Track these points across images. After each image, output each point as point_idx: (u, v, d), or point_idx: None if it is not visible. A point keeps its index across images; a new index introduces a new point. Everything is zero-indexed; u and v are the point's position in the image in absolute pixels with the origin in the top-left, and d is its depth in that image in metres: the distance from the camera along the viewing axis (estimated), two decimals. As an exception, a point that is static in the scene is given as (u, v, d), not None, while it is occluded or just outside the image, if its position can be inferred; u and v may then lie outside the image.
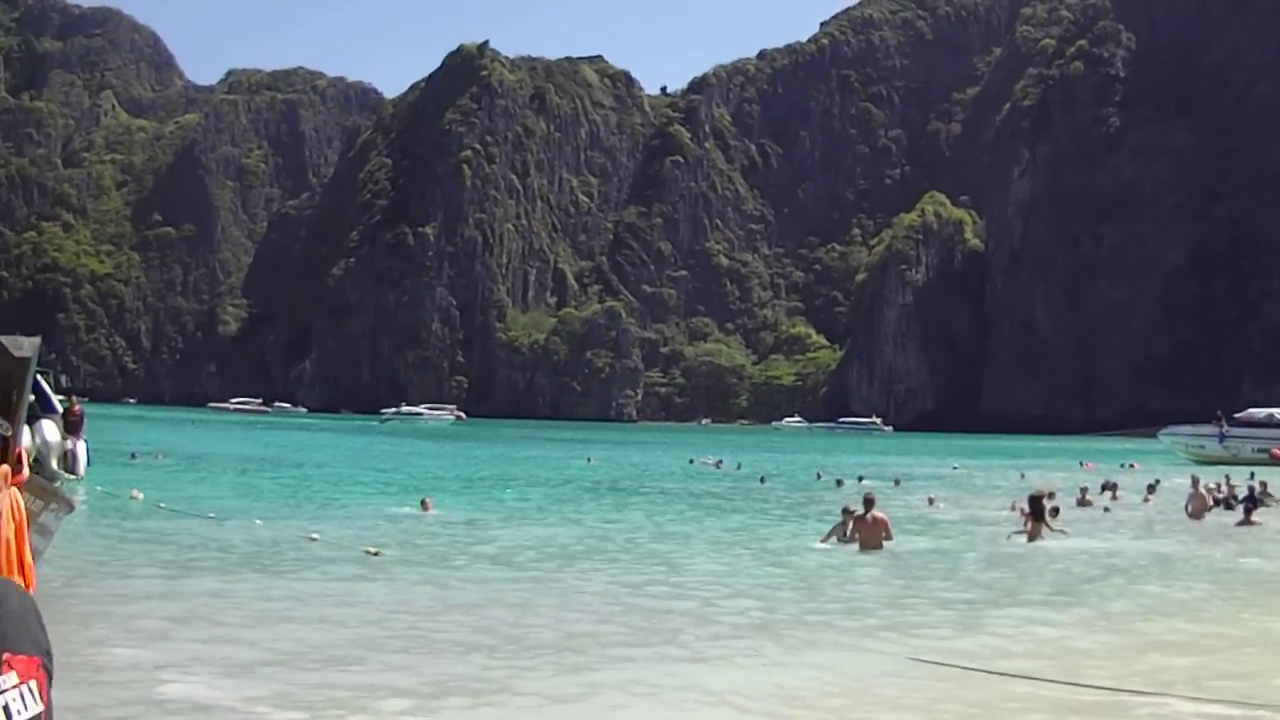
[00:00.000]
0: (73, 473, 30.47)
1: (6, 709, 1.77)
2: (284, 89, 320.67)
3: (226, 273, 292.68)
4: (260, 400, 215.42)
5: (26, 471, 12.34)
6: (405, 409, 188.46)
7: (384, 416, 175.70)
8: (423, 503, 29.23)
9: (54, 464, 27.25)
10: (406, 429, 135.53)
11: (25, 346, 11.64)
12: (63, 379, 38.85)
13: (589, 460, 65.79)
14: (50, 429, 27.44)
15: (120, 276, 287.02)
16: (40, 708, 1.82)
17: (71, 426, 30.60)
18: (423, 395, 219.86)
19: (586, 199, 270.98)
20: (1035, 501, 25.13)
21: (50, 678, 1.87)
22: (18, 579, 10.40)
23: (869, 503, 23.27)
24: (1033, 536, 23.99)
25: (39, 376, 30.81)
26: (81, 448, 30.94)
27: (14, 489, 11.80)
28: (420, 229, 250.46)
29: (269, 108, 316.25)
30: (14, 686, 1.80)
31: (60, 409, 30.98)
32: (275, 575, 17.58)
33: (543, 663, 11.62)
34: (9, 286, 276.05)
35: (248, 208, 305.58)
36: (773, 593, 17.26)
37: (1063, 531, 24.71)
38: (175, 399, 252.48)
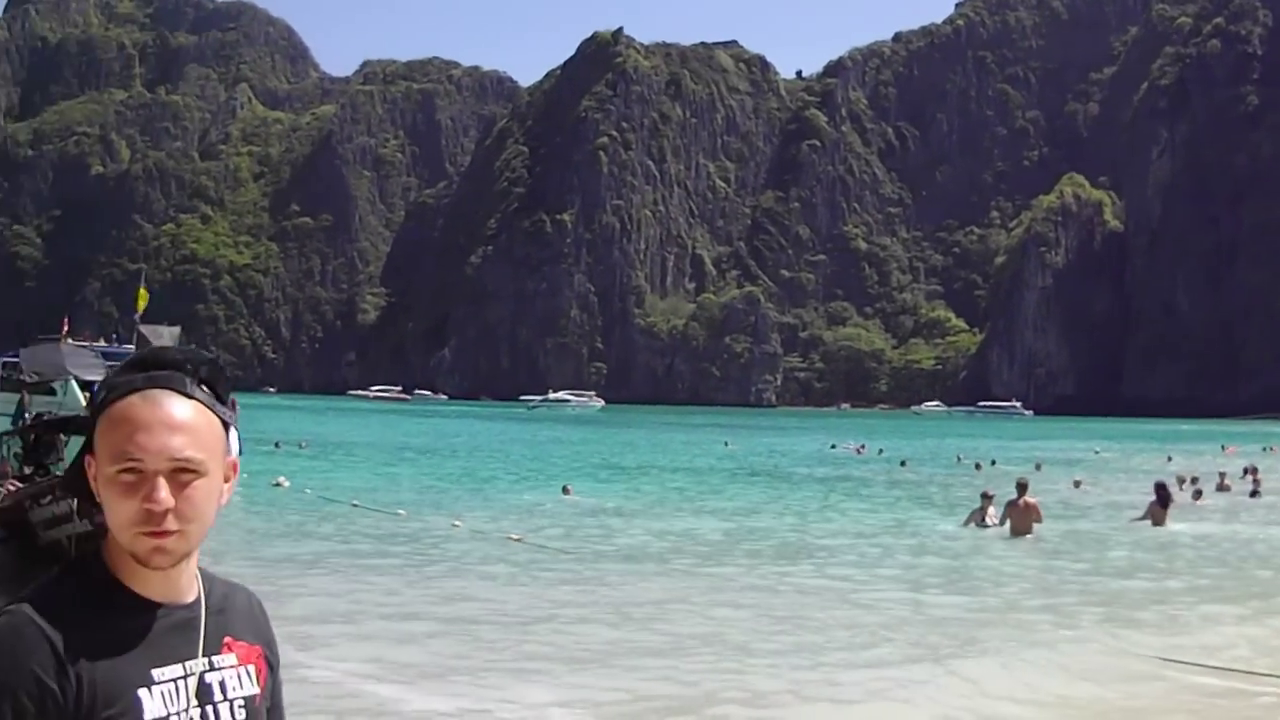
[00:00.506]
0: None
1: (222, 684, 2.14)
2: (419, 79, 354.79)
3: (365, 262, 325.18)
4: (400, 388, 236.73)
5: None
6: (552, 396, 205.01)
7: (531, 404, 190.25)
8: (564, 489, 32.02)
9: None
10: (553, 416, 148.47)
11: (165, 335, 14.81)
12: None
13: (726, 445, 72.64)
14: None
15: (259, 267, 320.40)
16: (255, 690, 2.19)
17: None
18: (562, 382, 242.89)
19: (723, 184, 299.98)
20: (1161, 489, 27.06)
21: (272, 669, 2.26)
22: None
23: (1022, 488, 24.81)
24: (1157, 522, 25.90)
25: None
26: (233, 437, 50.47)
27: None
28: (558, 216, 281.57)
29: (405, 98, 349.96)
30: (232, 666, 2.17)
31: None
32: (421, 564, 19.25)
33: (763, 662, 12.17)
34: (148, 278, 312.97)
35: (385, 197, 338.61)
36: (952, 582, 18.55)
37: (1203, 516, 26.70)
38: (314, 387, 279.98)
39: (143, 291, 46.90)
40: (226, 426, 2.05)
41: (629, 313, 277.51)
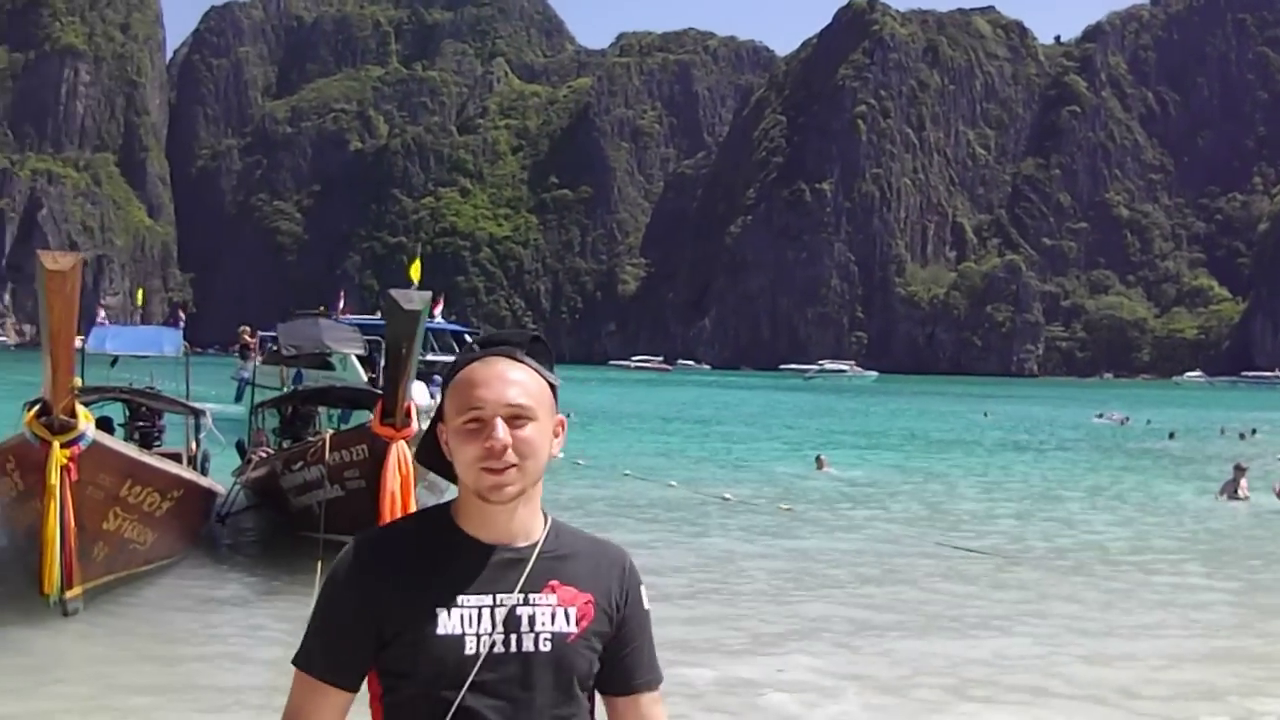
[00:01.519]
0: None
1: (533, 618, 2.86)
2: (675, 50, 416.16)
3: (624, 233, 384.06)
4: (661, 358, 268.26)
5: (415, 425, 15.68)
6: (828, 366, 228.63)
7: (807, 374, 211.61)
8: (817, 460, 36.25)
9: None
10: (830, 386, 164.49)
11: (415, 300, 14.51)
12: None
13: (985, 415, 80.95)
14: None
15: (518, 239, 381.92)
16: (570, 630, 2.88)
17: None
18: (822, 351, 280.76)
19: (983, 151, 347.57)
20: None
21: (608, 619, 2.96)
22: None
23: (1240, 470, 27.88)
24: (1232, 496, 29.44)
25: (470, 338, 42.22)
26: None
27: (401, 443, 15.36)
28: (817, 185, 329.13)
29: (661, 69, 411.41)
30: (549, 605, 2.88)
31: None
32: (694, 534, 21.99)
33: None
34: (409, 251, 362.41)
35: (643, 168, 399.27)
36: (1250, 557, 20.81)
37: None
38: (575, 358, 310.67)
39: (417, 263, 50.82)
40: (554, 389, 3.64)
41: (889, 281, 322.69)
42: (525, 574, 2.87)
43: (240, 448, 23.98)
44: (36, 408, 12.64)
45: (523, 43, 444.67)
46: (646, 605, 3.06)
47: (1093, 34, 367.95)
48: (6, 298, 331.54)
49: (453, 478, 2.88)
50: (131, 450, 14.65)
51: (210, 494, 18.01)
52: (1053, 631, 14.33)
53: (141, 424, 22.55)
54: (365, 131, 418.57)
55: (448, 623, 2.81)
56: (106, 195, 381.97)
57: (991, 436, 59.24)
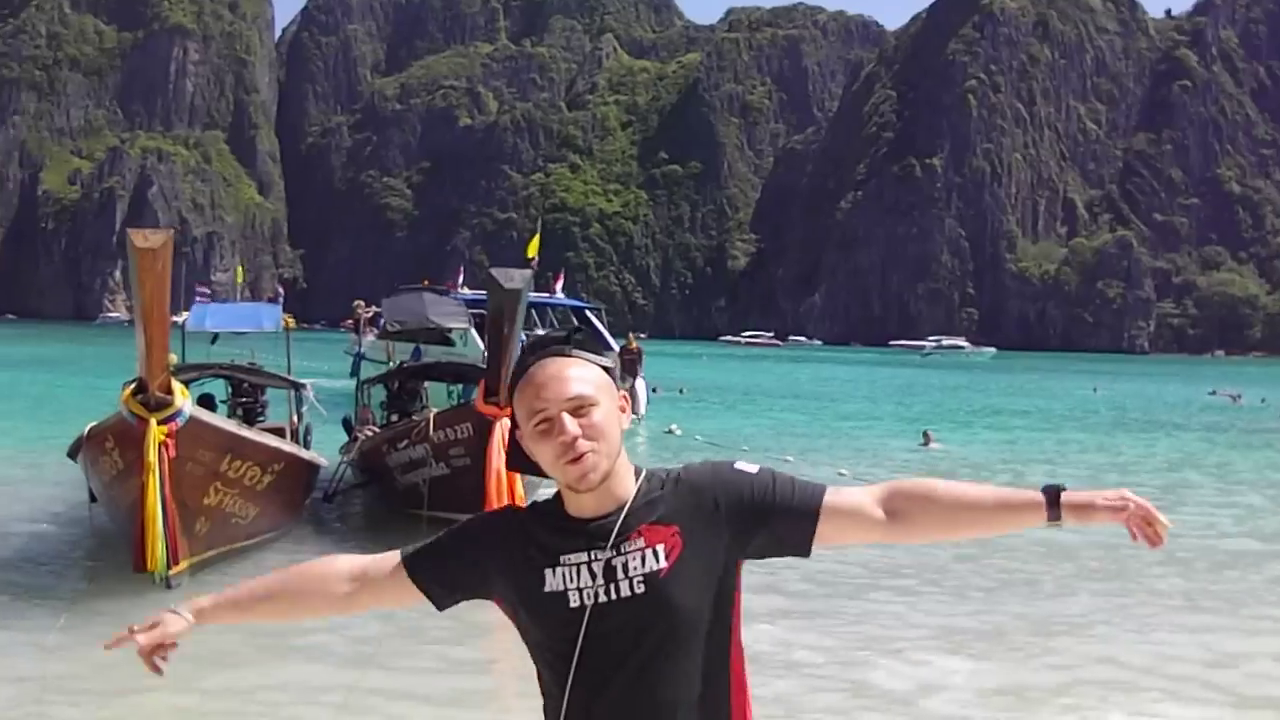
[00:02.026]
0: (633, 412, 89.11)
1: (625, 565, 3.26)
2: (784, 25, 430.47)
3: (734, 208, 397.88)
4: (771, 334, 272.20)
5: None
6: (946, 342, 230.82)
7: (924, 351, 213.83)
8: (924, 435, 37.15)
9: None
10: (948, 362, 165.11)
11: (516, 279, 14.91)
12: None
13: (1095, 390, 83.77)
14: None
15: (628, 214, 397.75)
16: (659, 565, 3.25)
17: (629, 365, 41.53)
18: (932, 327, 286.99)
19: (1094, 126, 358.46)
20: None
21: (712, 527, 3.32)
22: None
23: None
24: None
25: (590, 314, 47.48)
26: (641, 386, 42.05)
27: (505, 420, 14.82)
28: (927, 160, 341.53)
29: (770, 44, 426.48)
30: (637, 550, 3.27)
31: (616, 346, 43.12)
32: None
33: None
34: (518, 227, 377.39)
35: (753, 144, 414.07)
36: None
37: None
38: (685, 333, 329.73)
39: (536, 238, 51.55)
40: (609, 371, 4.98)
41: (1000, 258, 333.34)
42: (616, 529, 3.27)
43: (347, 424, 25.68)
44: (133, 386, 13.13)
45: (631, 18, 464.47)
46: (750, 469, 3.38)
47: (1204, 7, 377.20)
48: (118, 274, 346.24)
49: (545, 474, 3.39)
50: (230, 425, 15.42)
51: (312, 467, 18.61)
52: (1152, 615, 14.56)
53: (244, 399, 23.82)
54: (474, 108, 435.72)
55: (552, 580, 3.27)
56: (216, 173, 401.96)
57: (1104, 412, 60.16)
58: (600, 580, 3.23)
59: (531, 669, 2.95)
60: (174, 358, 14.28)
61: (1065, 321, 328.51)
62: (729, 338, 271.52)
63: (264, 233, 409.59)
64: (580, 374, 3.22)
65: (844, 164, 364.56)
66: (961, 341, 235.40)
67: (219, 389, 23.88)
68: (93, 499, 16.45)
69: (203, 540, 14.51)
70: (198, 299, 34.97)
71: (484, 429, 16.38)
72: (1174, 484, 29.19)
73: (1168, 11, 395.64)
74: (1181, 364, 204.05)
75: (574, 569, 3.26)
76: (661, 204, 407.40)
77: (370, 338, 43.96)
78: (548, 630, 3.30)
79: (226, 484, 14.49)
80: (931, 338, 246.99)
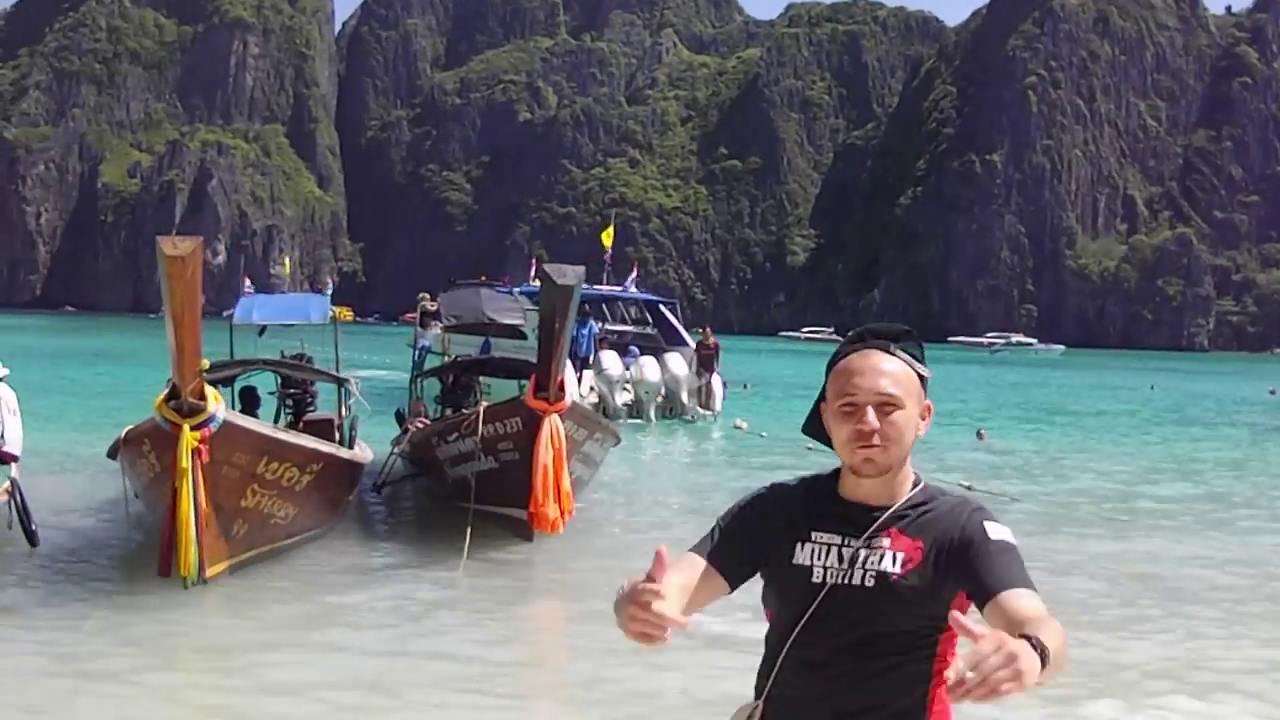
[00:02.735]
0: (708, 408, 41.42)
1: (866, 558, 3.67)
2: (844, 21, 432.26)
3: (794, 204, 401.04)
4: (831, 329, 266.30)
5: (569, 399, 16.40)
6: (1015, 339, 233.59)
7: (994, 348, 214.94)
8: (978, 433, 38.07)
9: (684, 398, 40.36)
10: (1017, 359, 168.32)
11: (569, 275, 14.99)
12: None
13: (1151, 388, 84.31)
14: (677, 362, 40.63)
15: (688, 210, 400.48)
16: (894, 570, 3.63)
17: (705, 360, 42.00)
18: (991, 324, 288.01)
19: (1154, 123, 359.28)
20: None
21: (943, 557, 3.65)
22: (553, 506, 16.06)
23: None
24: None
25: (665, 309, 47.39)
26: (717, 382, 42.08)
27: (554, 416, 16.15)
28: (987, 156, 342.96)
29: (830, 40, 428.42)
30: (883, 549, 3.66)
31: (692, 342, 43.81)
32: None
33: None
34: (577, 221, 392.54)
35: (812, 139, 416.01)
36: None
37: None
38: (744, 328, 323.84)
39: (609, 230, 53.04)
40: (923, 380, 3.65)
41: (1060, 254, 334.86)
42: (875, 525, 3.67)
43: (400, 416, 25.74)
44: (166, 392, 13.36)
45: (691, 13, 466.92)
46: (995, 535, 3.62)
47: (1264, 4, 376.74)
48: None
49: (832, 447, 3.72)
50: (265, 427, 15.64)
51: (353, 465, 18.68)
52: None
53: (293, 391, 24.05)
54: (534, 102, 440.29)
55: (801, 554, 3.70)
56: (276, 166, 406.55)
57: (1162, 411, 60.82)
58: (845, 565, 3.65)
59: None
60: (206, 362, 14.24)
61: (1124, 319, 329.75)
62: (789, 333, 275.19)
63: (323, 226, 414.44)
64: (896, 374, 3.55)
65: (904, 160, 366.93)
66: (1031, 339, 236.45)
67: (268, 381, 24.24)
68: (130, 498, 16.53)
69: (242, 541, 14.81)
70: (245, 291, 34.41)
71: (533, 424, 16.38)
72: (1229, 485, 29.57)
73: (1228, 8, 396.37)
74: (1241, 362, 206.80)
75: (823, 548, 3.70)
76: (721, 199, 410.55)
77: (436, 331, 41.16)
78: (786, 596, 3.75)
79: (264, 485, 14.72)
80: (994, 334, 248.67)
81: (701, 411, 41.06)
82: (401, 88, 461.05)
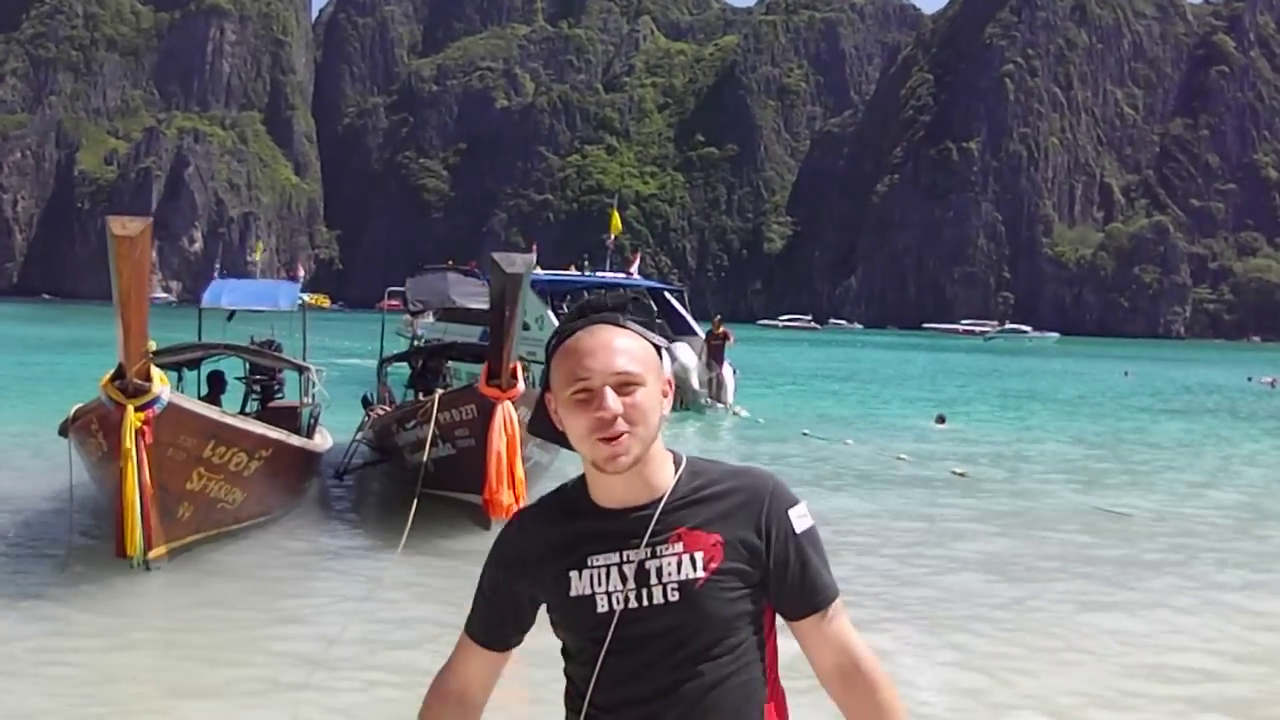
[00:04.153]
0: (719, 400, 40.11)
1: (659, 569, 3.12)
2: (822, 8, 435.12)
3: (770, 191, 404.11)
4: (809, 317, 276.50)
5: (521, 386, 16.43)
6: (1008, 326, 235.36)
7: (987, 335, 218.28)
8: (939, 417, 38.42)
9: (695, 385, 38.64)
10: (1011, 347, 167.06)
11: (518, 263, 15.00)
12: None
13: (1126, 374, 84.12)
14: (686, 352, 38.34)
15: (664, 197, 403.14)
16: (696, 575, 3.10)
17: (715, 350, 40.82)
18: (968, 311, 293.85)
19: (1131, 111, 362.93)
20: None
21: (747, 554, 3.17)
22: (507, 492, 16.18)
23: None
24: None
25: (671, 297, 45.63)
26: (728, 372, 40.81)
27: (507, 403, 16.14)
28: (964, 144, 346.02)
29: (808, 27, 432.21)
30: (674, 554, 3.13)
31: (701, 331, 42.29)
32: (874, 488, 23.30)
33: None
34: (554, 209, 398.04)
35: (790, 126, 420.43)
36: None
37: None
38: (721, 316, 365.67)
39: (615, 214, 53.50)
40: (659, 350, 3.16)
41: (1037, 242, 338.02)
42: (651, 528, 3.12)
43: (366, 402, 25.43)
44: (112, 372, 13.23)
45: (668, 1, 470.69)
46: (799, 527, 3.19)
47: None
48: (154, 255, 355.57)
49: (568, 445, 3.16)
50: (212, 411, 15.44)
51: (307, 452, 18.74)
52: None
53: (260, 377, 24.06)
54: (511, 89, 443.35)
55: (579, 584, 3.14)
56: (253, 153, 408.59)
57: (1142, 398, 60.18)
58: (631, 584, 3.13)
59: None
60: (153, 344, 14.18)
61: (1101, 307, 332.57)
62: (767, 322, 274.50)
63: (300, 213, 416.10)
64: (632, 349, 3.07)
65: (881, 147, 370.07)
66: (1025, 327, 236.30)
67: (237, 366, 24.20)
68: (75, 477, 15.54)
69: (188, 524, 14.73)
70: (214, 275, 31.26)
71: (487, 411, 16.44)
72: (1208, 470, 29.62)
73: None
74: (1218, 349, 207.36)
75: (602, 571, 3.17)
76: (698, 186, 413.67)
77: (429, 319, 43.00)
78: (574, 633, 3.23)
79: (211, 469, 14.66)
80: (969, 321, 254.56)
81: (713, 403, 39.89)
82: (378, 75, 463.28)
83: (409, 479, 17.81)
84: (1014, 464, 28.66)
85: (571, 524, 3.21)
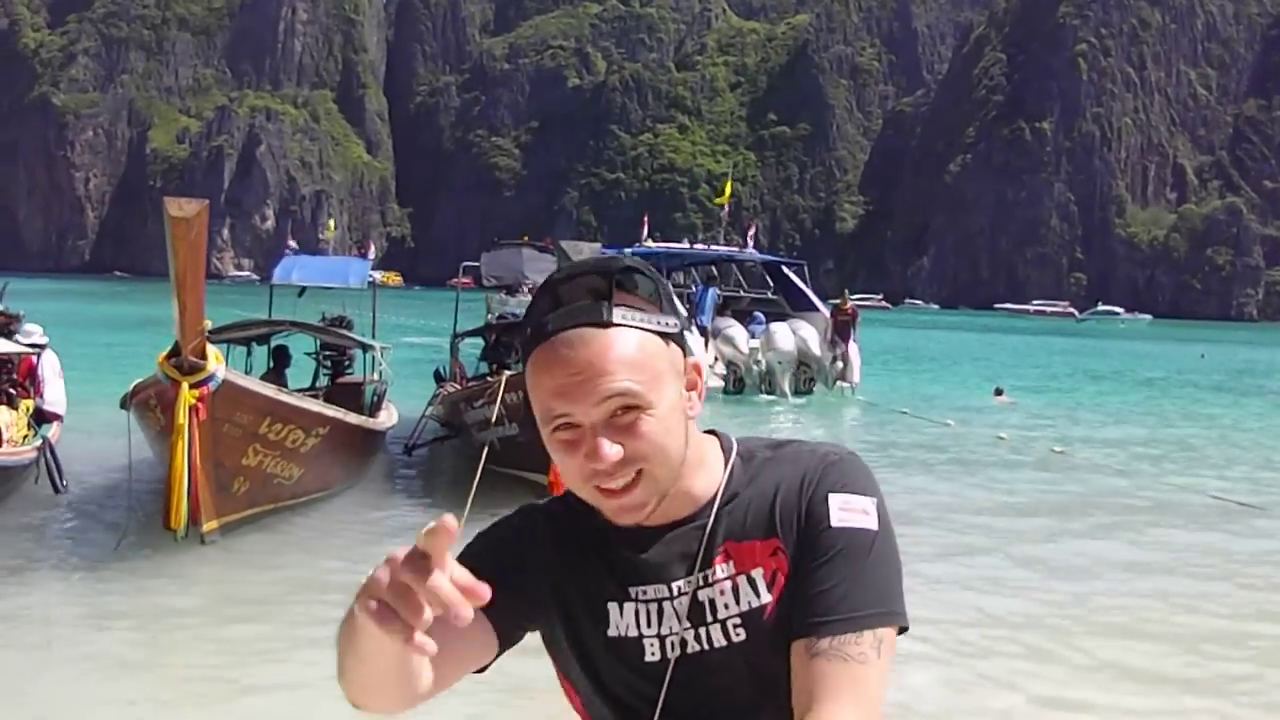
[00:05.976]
0: (845, 380, 38.31)
1: (712, 603, 2.34)
2: None
3: (843, 170, 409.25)
4: (880, 296, 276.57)
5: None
6: (1101, 308, 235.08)
7: (1080, 316, 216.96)
8: (996, 390, 38.92)
9: (823, 368, 37.60)
10: (1104, 330, 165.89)
11: (585, 251, 14.32)
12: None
13: (1202, 356, 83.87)
14: (809, 330, 37.47)
15: (736, 176, 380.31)
16: (760, 600, 2.32)
17: (842, 328, 38.41)
18: (1040, 292, 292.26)
19: (1205, 91, 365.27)
20: None
21: (793, 564, 2.31)
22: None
23: None
24: None
25: (790, 271, 43.80)
26: (854, 351, 38.39)
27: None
28: (1037, 124, 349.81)
29: (880, 6, 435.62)
30: (726, 579, 2.34)
31: (824, 308, 40.70)
32: (966, 468, 23.20)
33: None
34: (626, 187, 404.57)
35: (862, 105, 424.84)
36: None
37: None
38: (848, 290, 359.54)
39: (729, 185, 52.14)
40: (669, 337, 2.26)
41: (1109, 223, 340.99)
42: (702, 547, 2.38)
43: (439, 376, 25.15)
44: (169, 349, 13.48)
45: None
46: (840, 521, 2.31)
47: None
48: (226, 232, 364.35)
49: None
50: (268, 389, 15.48)
51: (365, 430, 18.62)
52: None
53: (330, 353, 24.51)
54: (583, 68, 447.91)
55: (620, 621, 2.39)
56: (325, 132, 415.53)
57: (1215, 377, 60.70)
58: (686, 624, 2.36)
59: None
60: (208, 323, 14.34)
61: (1173, 288, 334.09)
62: (835, 301, 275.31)
63: (372, 191, 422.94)
64: (623, 355, 2.18)
65: (953, 127, 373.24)
66: (1117, 309, 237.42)
67: (308, 343, 24.47)
68: (133, 450, 15.87)
69: (243, 499, 14.97)
70: (286, 252, 33.85)
71: None
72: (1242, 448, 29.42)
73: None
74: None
75: (651, 607, 2.39)
76: (770, 165, 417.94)
77: (523, 296, 39.51)
78: (614, 685, 2.44)
79: (267, 445, 14.93)
80: (1040, 302, 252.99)
81: (840, 384, 38.23)
82: (450, 53, 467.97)
83: (477, 455, 17.58)
84: (1115, 448, 27.81)
85: (609, 540, 2.43)
